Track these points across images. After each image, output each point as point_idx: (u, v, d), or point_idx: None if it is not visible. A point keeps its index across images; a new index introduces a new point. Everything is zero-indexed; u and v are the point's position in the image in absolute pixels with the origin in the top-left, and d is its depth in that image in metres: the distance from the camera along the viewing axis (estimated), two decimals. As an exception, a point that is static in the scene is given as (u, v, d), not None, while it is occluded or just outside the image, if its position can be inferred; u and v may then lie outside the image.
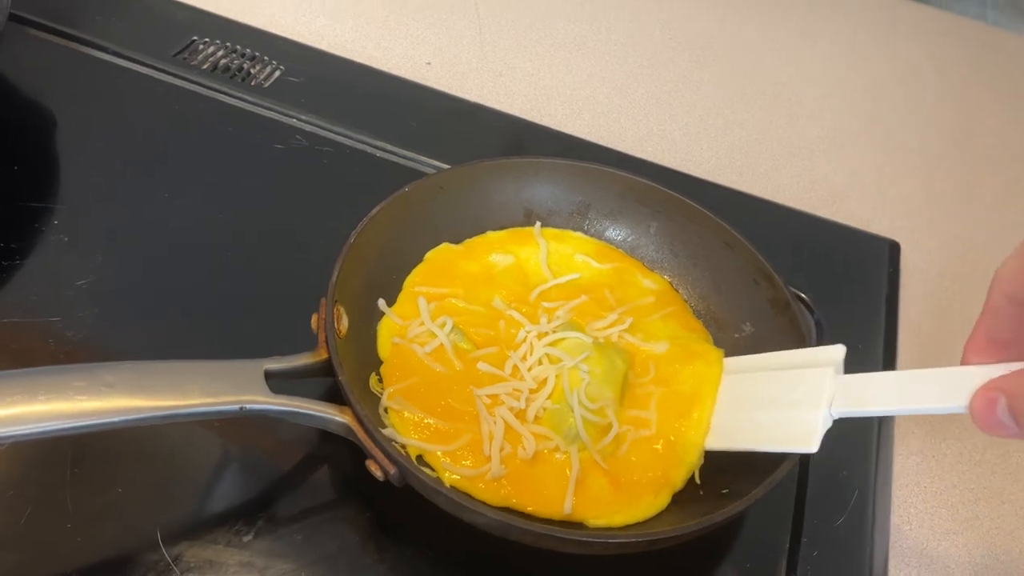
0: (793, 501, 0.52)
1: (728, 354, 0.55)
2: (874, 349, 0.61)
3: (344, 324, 0.48)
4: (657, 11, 0.91)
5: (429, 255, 0.56)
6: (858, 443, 0.55)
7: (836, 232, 0.70)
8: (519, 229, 0.60)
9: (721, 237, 0.57)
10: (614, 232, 0.60)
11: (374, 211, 0.53)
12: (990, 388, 0.35)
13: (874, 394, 0.42)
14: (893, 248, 0.70)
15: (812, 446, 0.42)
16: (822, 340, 0.60)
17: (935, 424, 0.59)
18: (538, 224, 0.60)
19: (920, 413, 0.40)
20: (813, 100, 0.84)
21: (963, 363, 0.38)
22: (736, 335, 0.56)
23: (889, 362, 0.61)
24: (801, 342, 0.50)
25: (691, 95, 0.82)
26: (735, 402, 0.48)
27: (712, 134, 0.78)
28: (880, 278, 0.67)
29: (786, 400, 0.45)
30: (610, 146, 0.73)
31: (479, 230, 0.59)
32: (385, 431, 0.45)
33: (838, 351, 0.44)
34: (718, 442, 0.48)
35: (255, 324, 0.54)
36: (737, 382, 0.49)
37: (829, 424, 0.43)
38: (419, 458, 0.46)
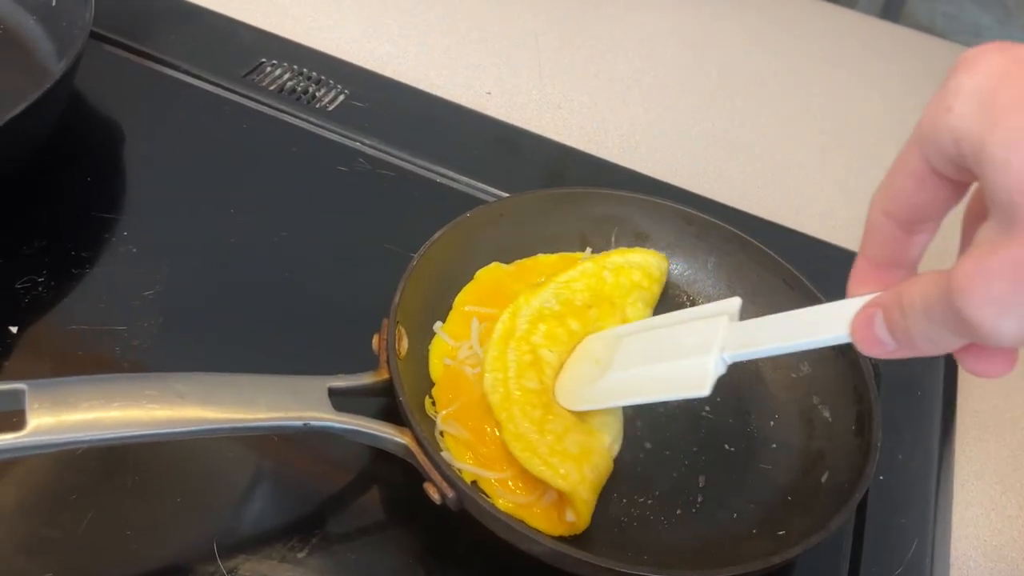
0: (850, 548, 0.51)
1: (786, 393, 0.55)
2: (933, 395, 0.60)
3: (404, 345, 0.49)
4: (714, 49, 0.92)
5: (479, 274, 0.57)
6: (917, 491, 0.54)
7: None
8: (569, 254, 0.60)
9: (780, 275, 0.57)
10: (672, 265, 0.60)
11: (436, 235, 0.54)
12: (868, 305, 0.34)
13: (763, 335, 0.42)
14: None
15: (704, 390, 0.42)
16: (881, 384, 0.59)
17: (995, 475, 0.57)
18: (588, 250, 0.60)
19: (808, 347, 0.39)
20: (872, 142, 0.84)
21: (849, 295, 0.37)
22: (793, 375, 0.55)
23: (949, 403, 0.60)
24: (864, 388, 0.50)
25: (748, 134, 0.82)
26: (632, 360, 0.48)
27: (768, 173, 0.78)
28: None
29: (680, 350, 0.45)
30: (666, 180, 0.73)
31: (534, 254, 0.59)
32: (443, 454, 0.45)
33: (733, 303, 0.45)
34: (615, 398, 0.48)
35: (314, 341, 0.55)
36: (634, 342, 0.50)
37: (723, 370, 0.43)
38: (473, 483, 0.46)
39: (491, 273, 0.57)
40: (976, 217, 0.34)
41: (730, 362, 0.43)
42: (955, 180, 0.31)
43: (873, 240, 0.35)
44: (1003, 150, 0.27)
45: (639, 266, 0.58)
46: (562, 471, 0.45)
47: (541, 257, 0.59)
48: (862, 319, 0.34)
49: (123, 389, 0.38)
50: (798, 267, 0.56)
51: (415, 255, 0.51)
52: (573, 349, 0.53)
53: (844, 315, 0.36)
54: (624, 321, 0.55)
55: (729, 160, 0.79)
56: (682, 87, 0.86)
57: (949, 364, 0.63)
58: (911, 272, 0.36)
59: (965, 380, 0.63)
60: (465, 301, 0.55)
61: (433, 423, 0.48)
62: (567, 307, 0.55)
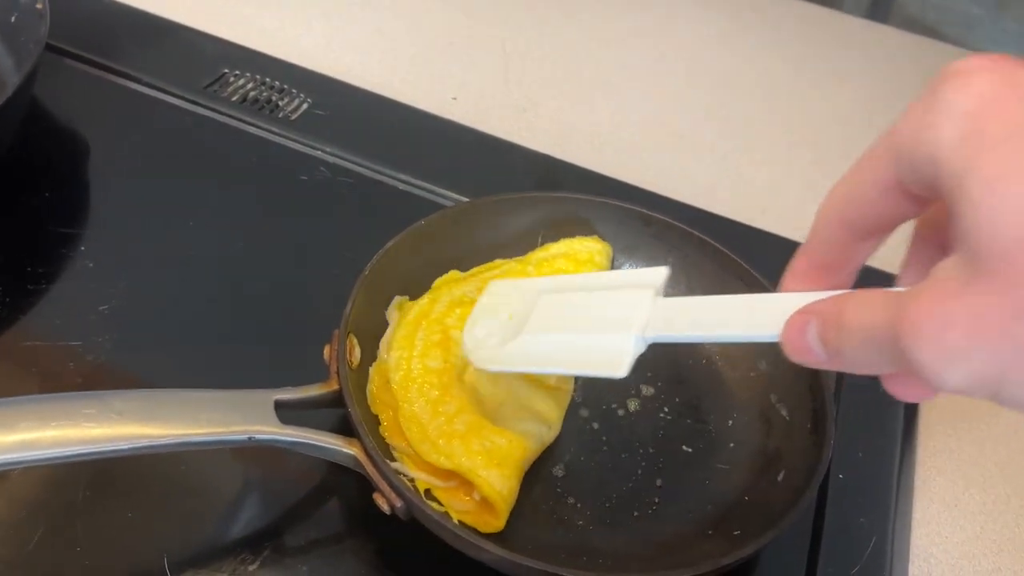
0: (808, 546, 0.51)
1: (744, 392, 0.54)
2: (894, 403, 0.60)
3: (356, 355, 0.48)
4: (681, 49, 0.92)
5: (437, 283, 0.57)
6: (877, 488, 0.54)
7: (864, 277, 0.69)
8: (528, 255, 0.60)
9: (737, 273, 0.57)
10: (630, 267, 0.60)
11: (388, 244, 0.53)
12: (804, 311, 0.32)
13: (690, 319, 0.39)
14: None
15: (620, 371, 0.40)
16: (841, 386, 0.59)
17: (958, 471, 0.57)
18: (540, 238, 0.60)
19: (735, 341, 0.37)
20: (840, 140, 0.84)
21: (783, 290, 0.35)
22: (752, 373, 0.55)
23: (911, 416, 0.60)
24: (818, 386, 0.50)
25: (714, 134, 0.82)
26: (550, 323, 0.45)
27: (735, 173, 0.78)
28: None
29: (601, 321, 0.42)
30: (633, 183, 0.73)
31: (492, 260, 0.59)
32: (394, 464, 0.45)
33: (660, 273, 0.42)
34: (527, 364, 0.45)
35: (271, 352, 0.55)
36: (555, 302, 0.46)
37: (642, 349, 0.40)
38: (427, 492, 0.46)
39: (449, 281, 0.57)
40: (932, 233, 0.33)
41: (651, 342, 0.40)
42: (921, 197, 0.30)
43: (819, 240, 0.34)
44: (983, 189, 0.25)
45: (564, 255, 0.58)
46: (447, 451, 0.45)
47: (500, 262, 0.59)
48: (796, 324, 0.32)
49: (60, 408, 0.38)
50: (765, 267, 0.56)
51: (367, 264, 0.51)
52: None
53: (778, 312, 0.33)
54: None
55: (696, 161, 0.79)
56: (649, 88, 0.86)
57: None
58: (851, 277, 0.34)
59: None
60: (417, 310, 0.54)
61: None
62: None
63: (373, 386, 0.50)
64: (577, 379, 0.55)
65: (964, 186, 0.25)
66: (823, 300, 0.32)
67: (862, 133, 0.85)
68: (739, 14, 0.98)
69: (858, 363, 0.30)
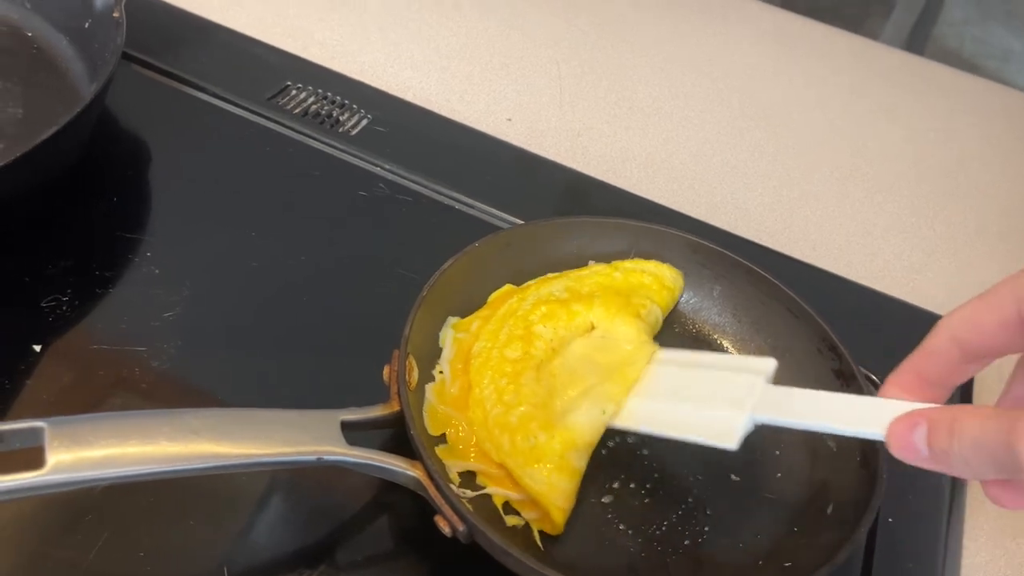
0: (856, 590, 0.51)
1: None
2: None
3: (415, 376, 0.49)
4: (735, 79, 0.92)
5: (492, 297, 0.58)
6: (926, 534, 0.54)
7: (909, 313, 0.69)
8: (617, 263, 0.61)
9: (785, 304, 0.57)
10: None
11: (445, 265, 0.54)
12: (914, 415, 0.36)
13: (797, 407, 0.43)
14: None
15: (732, 443, 0.44)
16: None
17: (1007, 518, 0.57)
18: (591, 262, 0.61)
19: (838, 433, 0.41)
20: (891, 176, 0.84)
21: (882, 395, 0.40)
22: None
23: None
24: None
25: (767, 165, 0.82)
26: (663, 390, 0.50)
27: (786, 205, 0.78)
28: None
29: (714, 397, 0.46)
30: (683, 211, 0.73)
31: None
32: (454, 487, 0.46)
33: (769, 363, 0.46)
34: (639, 423, 0.49)
35: (330, 366, 0.56)
36: (668, 373, 0.51)
37: (751, 427, 0.44)
38: (506, 505, 0.48)
39: (505, 295, 0.58)
40: None
41: (759, 423, 0.44)
42: None
43: (930, 358, 0.39)
44: None
45: (649, 272, 0.59)
46: (498, 442, 0.47)
47: (551, 276, 0.60)
48: (905, 424, 0.36)
49: (139, 426, 0.39)
50: (813, 301, 0.56)
51: (425, 285, 0.52)
52: (572, 328, 0.55)
53: (882, 413, 0.38)
54: (631, 312, 0.56)
55: (747, 192, 0.79)
56: (703, 117, 0.86)
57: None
58: (948, 393, 0.40)
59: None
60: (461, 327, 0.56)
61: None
62: (573, 295, 0.57)
63: (431, 405, 0.51)
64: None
65: None
66: (933, 408, 0.36)
67: (913, 169, 0.85)
68: (793, 46, 0.99)
69: (963, 465, 0.34)
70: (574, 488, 0.48)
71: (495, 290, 0.58)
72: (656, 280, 0.59)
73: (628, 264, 0.60)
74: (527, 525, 0.47)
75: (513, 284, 0.58)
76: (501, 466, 0.47)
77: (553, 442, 0.47)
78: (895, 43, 1.24)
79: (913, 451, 0.36)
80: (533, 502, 0.47)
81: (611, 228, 0.61)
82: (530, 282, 0.59)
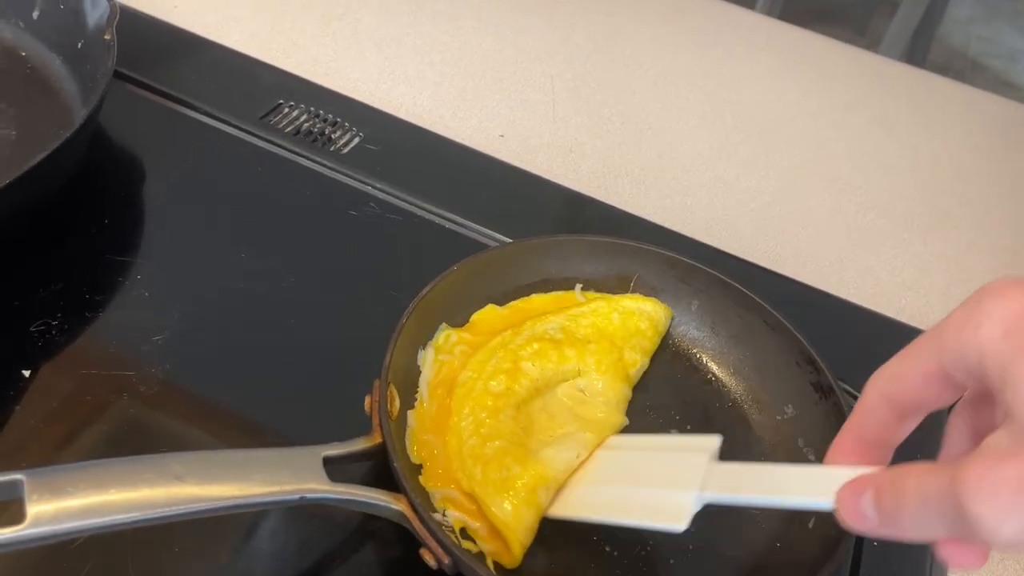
0: (841, 613, 0.51)
1: (771, 435, 0.56)
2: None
3: (396, 406, 0.49)
4: (729, 94, 0.92)
5: (474, 317, 0.58)
6: (912, 557, 0.54)
7: (895, 329, 0.69)
8: (563, 293, 0.61)
9: (763, 317, 0.58)
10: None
11: (424, 291, 0.55)
12: (859, 480, 0.36)
13: (745, 482, 0.43)
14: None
15: (682, 524, 0.43)
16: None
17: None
18: (579, 287, 0.61)
19: (786, 506, 0.41)
20: (885, 191, 0.84)
21: (828, 462, 0.40)
22: (778, 417, 0.56)
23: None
24: None
25: (759, 180, 0.82)
26: (609, 476, 0.49)
27: (778, 221, 0.78)
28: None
29: (661, 480, 0.46)
30: (674, 229, 0.73)
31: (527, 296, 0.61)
32: (436, 515, 0.46)
33: (714, 440, 0.46)
34: (588, 512, 0.48)
35: (317, 393, 0.56)
36: (613, 458, 0.51)
37: (699, 507, 0.43)
38: (463, 531, 0.47)
39: (487, 315, 0.58)
40: (967, 418, 0.38)
41: (707, 502, 0.44)
42: (959, 385, 0.35)
43: (864, 419, 0.39)
44: None
45: (647, 315, 0.59)
46: (470, 472, 0.47)
47: (536, 298, 0.61)
48: (852, 490, 0.36)
49: (120, 473, 0.39)
50: (803, 320, 0.57)
51: (404, 312, 0.52)
52: (559, 372, 0.55)
53: (828, 482, 0.38)
54: (620, 375, 0.56)
55: (740, 207, 0.79)
56: (696, 132, 0.86)
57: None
58: (889, 454, 0.40)
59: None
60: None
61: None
62: (568, 336, 0.57)
63: (412, 431, 0.51)
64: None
65: (1010, 373, 0.31)
66: (877, 471, 0.36)
67: (907, 184, 0.85)
68: (786, 60, 0.99)
69: (913, 526, 0.33)
70: (536, 523, 0.48)
71: (475, 311, 0.58)
72: (652, 326, 0.59)
73: (627, 302, 0.60)
74: (481, 553, 0.47)
75: (496, 304, 0.59)
76: (469, 495, 0.48)
77: (525, 476, 0.48)
78: (900, 43, 1.24)
79: (863, 519, 0.35)
80: (492, 533, 0.47)
81: (589, 246, 0.62)
82: (527, 301, 0.60)
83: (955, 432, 0.39)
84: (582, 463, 0.50)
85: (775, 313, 0.57)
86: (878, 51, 1.02)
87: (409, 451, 0.49)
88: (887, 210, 0.82)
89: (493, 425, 0.50)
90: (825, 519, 0.49)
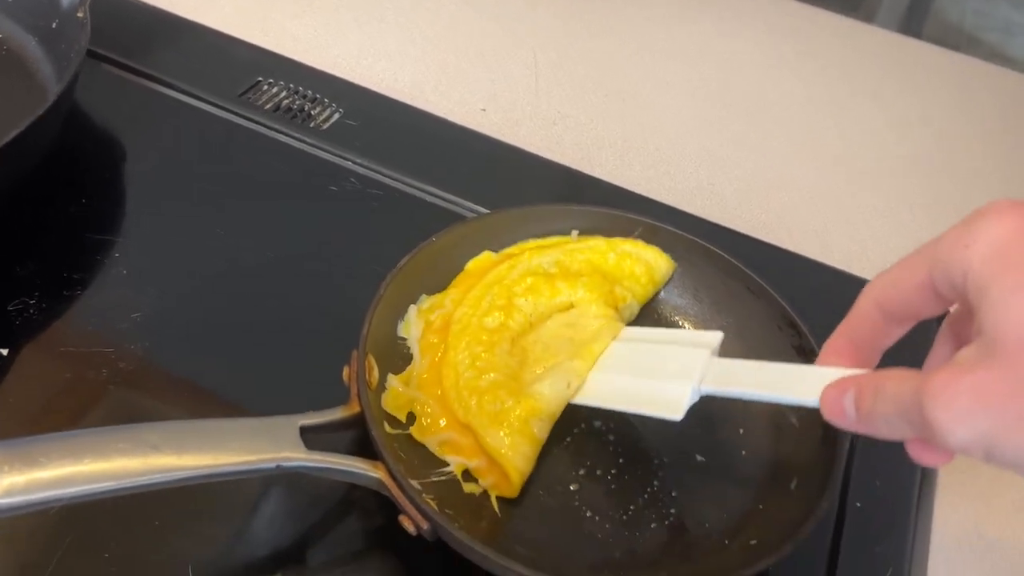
0: (823, 574, 0.51)
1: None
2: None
3: (375, 376, 0.49)
4: (714, 64, 0.91)
5: (470, 265, 0.58)
6: (895, 518, 0.54)
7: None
8: (558, 239, 0.61)
9: (744, 283, 0.58)
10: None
11: (402, 262, 0.55)
12: (844, 381, 0.39)
13: (740, 377, 0.46)
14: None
15: (678, 414, 0.46)
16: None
17: (977, 503, 0.57)
18: (575, 232, 0.61)
19: (777, 401, 0.44)
20: (872, 160, 0.83)
21: (819, 362, 0.43)
22: None
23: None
24: None
25: (745, 150, 0.82)
26: (619, 366, 0.51)
27: (764, 191, 0.78)
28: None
29: (662, 371, 0.49)
30: (659, 199, 0.73)
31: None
32: (414, 482, 0.46)
33: (716, 336, 0.49)
34: (593, 398, 0.50)
35: (298, 366, 0.56)
36: (624, 349, 0.53)
37: (696, 399, 0.46)
38: (466, 473, 0.49)
39: (481, 263, 0.59)
40: (953, 335, 0.41)
41: (704, 394, 0.46)
42: (945, 298, 0.37)
43: (857, 322, 0.41)
44: (1002, 296, 0.32)
45: (644, 261, 0.59)
46: (466, 404, 0.49)
47: (532, 242, 0.60)
48: (836, 390, 0.39)
49: (94, 443, 0.39)
50: (790, 288, 0.57)
51: (382, 283, 0.52)
52: (552, 305, 0.56)
53: (816, 381, 0.40)
54: (610, 303, 0.57)
55: (724, 177, 0.78)
56: (680, 102, 0.86)
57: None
58: (877, 356, 0.42)
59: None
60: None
61: (418, 447, 0.49)
62: (562, 270, 0.58)
63: (395, 392, 0.51)
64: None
65: (988, 292, 0.33)
66: (861, 374, 0.39)
67: (894, 153, 0.85)
68: (774, 30, 0.98)
69: (884, 425, 0.36)
70: (534, 454, 0.49)
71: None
72: (647, 273, 0.59)
73: (627, 246, 0.60)
74: (485, 494, 0.48)
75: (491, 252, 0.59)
76: (466, 428, 0.49)
77: (518, 408, 0.49)
78: (894, 16, 1.22)
79: (842, 415, 0.38)
80: (491, 466, 0.48)
81: (569, 214, 0.61)
82: (522, 246, 0.60)
83: (941, 343, 0.41)
84: (576, 389, 0.51)
85: (757, 278, 0.57)
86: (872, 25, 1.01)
87: (387, 406, 0.50)
88: (874, 179, 0.82)
89: (488, 359, 0.51)
90: (807, 480, 0.49)
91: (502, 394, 0.49)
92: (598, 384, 0.51)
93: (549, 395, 0.50)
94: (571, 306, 0.57)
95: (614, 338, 0.54)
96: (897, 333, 0.41)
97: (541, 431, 0.50)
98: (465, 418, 0.49)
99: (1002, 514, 0.56)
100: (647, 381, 0.49)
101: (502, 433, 0.48)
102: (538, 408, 0.49)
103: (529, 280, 0.56)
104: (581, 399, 0.51)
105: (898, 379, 0.35)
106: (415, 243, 0.56)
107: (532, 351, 0.54)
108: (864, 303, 0.41)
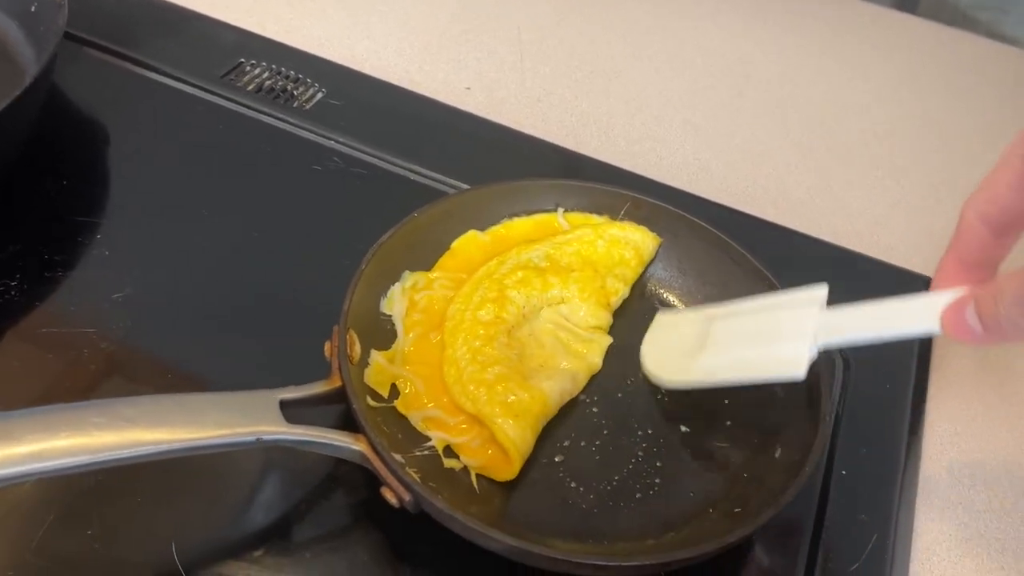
0: (808, 542, 0.51)
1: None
2: (904, 387, 0.60)
3: (357, 350, 0.49)
4: (698, 39, 0.91)
5: (456, 244, 0.59)
6: (880, 486, 0.54)
7: (869, 266, 0.69)
8: (543, 215, 0.61)
9: (728, 254, 0.58)
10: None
11: (384, 238, 0.55)
12: (961, 299, 0.38)
13: (854, 323, 0.45)
14: (928, 284, 0.68)
15: (800, 372, 0.45)
16: (850, 377, 0.59)
17: (963, 470, 0.57)
18: (560, 210, 0.61)
19: (897, 337, 0.43)
20: (856, 132, 0.83)
21: (934, 288, 0.41)
22: None
23: (919, 397, 0.60)
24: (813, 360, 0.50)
25: (729, 124, 0.81)
26: (726, 343, 0.51)
27: (748, 164, 0.78)
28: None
29: (777, 334, 0.48)
30: (644, 174, 0.73)
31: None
32: (397, 455, 0.46)
33: (821, 290, 0.48)
34: (718, 376, 0.50)
35: (280, 343, 0.55)
36: (729, 325, 0.52)
37: (814, 354, 0.46)
38: (447, 449, 0.49)
39: (467, 242, 0.59)
40: None
41: (822, 348, 0.46)
42: None
43: (964, 240, 0.40)
44: None
45: (633, 244, 0.60)
46: (474, 396, 0.49)
47: (517, 222, 0.61)
48: (955, 308, 0.38)
49: (70, 418, 0.39)
50: (775, 260, 0.57)
51: (364, 259, 0.52)
52: (543, 298, 0.56)
53: (931, 307, 0.40)
54: (602, 302, 0.57)
55: (709, 151, 0.78)
56: (664, 77, 0.85)
57: (921, 356, 0.62)
58: (992, 272, 0.40)
59: (936, 374, 0.62)
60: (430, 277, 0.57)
61: (400, 420, 0.49)
62: (552, 264, 0.58)
63: (378, 367, 0.51)
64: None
65: None
66: (976, 287, 0.38)
67: (878, 123, 0.84)
68: (762, 5, 0.98)
69: (1012, 328, 0.35)
70: (533, 441, 0.50)
71: (438, 259, 0.58)
72: (636, 255, 0.59)
73: (615, 231, 0.60)
74: (465, 469, 0.49)
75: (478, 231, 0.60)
76: (452, 411, 0.50)
77: (533, 403, 0.49)
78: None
79: (967, 331, 0.37)
80: (483, 448, 0.48)
81: (553, 189, 0.61)
82: (508, 225, 0.60)
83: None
84: (576, 390, 0.53)
85: (740, 249, 0.57)
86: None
87: (370, 380, 0.50)
88: (859, 150, 0.81)
89: (489, 352, 0.51)
90: (791, 448, 0.49)
91: (511, 386, 0.50)
92: (717, 363, 0.50)
93: (555, 392, 0.51)
94: (562, 300, 0.57)
95: (601, 353, 0.55)
96: (1008, 243, 0.40)
97: (542, 424, 0.51)
98: (474, 409, 0.49)
99: (988, 482, 0.57)
100: (764, 348, 0.49)
101: (515, 425, 0.48)
102: (547, 403, 0.50)
103: (520, 273, 0.56)
104: (702, 381, 0.51)
105: (1016, 279, 0.35)
106: (399, 220, 0.56)
107: (528, 345, 0.54)
108: (966, 219, 0.40)
